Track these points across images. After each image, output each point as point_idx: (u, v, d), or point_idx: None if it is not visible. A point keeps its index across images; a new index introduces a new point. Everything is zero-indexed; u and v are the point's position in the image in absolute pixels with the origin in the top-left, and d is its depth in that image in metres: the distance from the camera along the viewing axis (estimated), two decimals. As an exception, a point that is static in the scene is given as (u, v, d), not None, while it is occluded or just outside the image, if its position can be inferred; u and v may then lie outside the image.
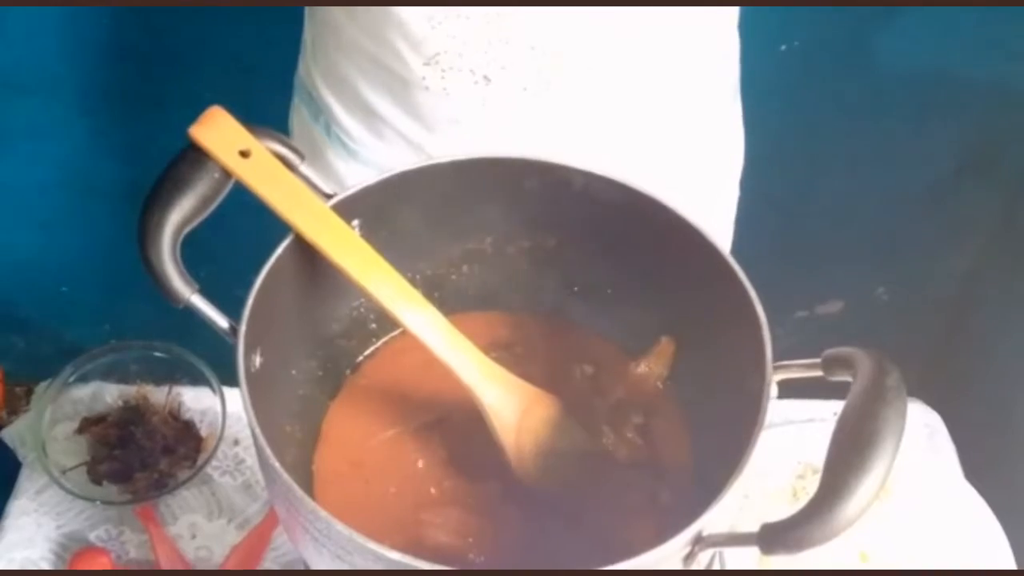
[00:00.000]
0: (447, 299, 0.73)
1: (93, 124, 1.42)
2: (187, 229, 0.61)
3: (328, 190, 0.65)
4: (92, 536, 0.93)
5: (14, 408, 1.63)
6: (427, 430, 0.70)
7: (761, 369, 0.59)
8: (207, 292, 0.61)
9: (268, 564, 0.92)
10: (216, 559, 0.92)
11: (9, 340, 1.71)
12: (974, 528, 0.94)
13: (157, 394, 0.99)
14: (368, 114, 0.88)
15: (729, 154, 1.00)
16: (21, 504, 0.95)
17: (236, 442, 0.98)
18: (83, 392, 0.99)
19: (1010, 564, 0.92)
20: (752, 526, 0.53)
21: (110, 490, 0.94)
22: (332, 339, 0.72)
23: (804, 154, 1.39)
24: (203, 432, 0.97)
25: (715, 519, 0.55)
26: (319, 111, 0.93)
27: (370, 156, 0.91)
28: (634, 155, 0.87)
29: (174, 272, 0.60)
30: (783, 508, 0.80)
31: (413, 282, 0.65)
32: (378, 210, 0.67)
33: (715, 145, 0.97)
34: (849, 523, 0.50)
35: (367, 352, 0.74)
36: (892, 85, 1.33)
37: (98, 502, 0.93)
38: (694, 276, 0.66)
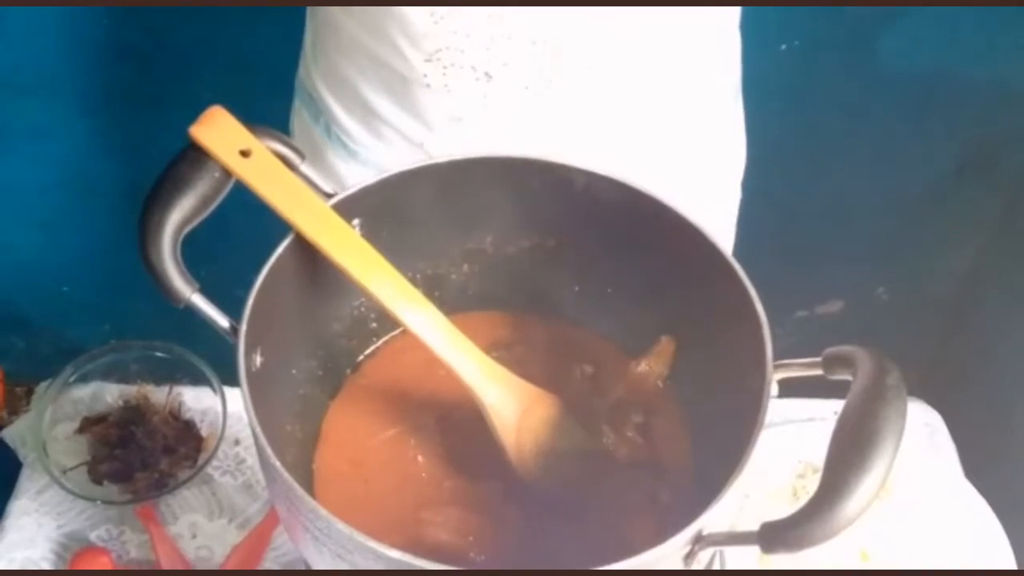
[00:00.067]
0: (447, 298, 0.73)
1: (93, 124, 1.42)
2: (187, 228, 0.61)
3: (329, 189, 0.65)
4: (93, 536, 0.94)
5: (15, 408, 1.63)
6: (427, 429, 0.70)
7: (761, 368, 0.59)
8: (208, 292, 0.61)
9: (269, 564, 0.92)
10: (217, 559, 0.92)
11: (9, 340, 1.71)
12: (974, 527, 0.94)
13: (158, 394, 0.99)
14: (368, 114, 0.88)
15: (731, 155, 1.00)
16: (22, 504, 0.95)
17: (237, 442, 0.98)
18: (83, 392, 0.99)
19: (1010, 563, 0.92)
20: (752, 525, 0.53)
21: (111, 490, 0.94)
22: (333, 338, 0.72)
23: (804, 154, 1.39)
24: (204, 432, 0.97)
25: (715, 518, 0.55)
26: (319, 112, 0.93)
27: (370, 157, 0.91)
28: (635, 155, 0.87)
29: (175, 272, 0.60)
30: (783, 507, 0.80)
31: (414, 281, 0.65)
32: (379, 209, 0.67)
33: (716, 145, 0.97)
34: (849, 522, 0.51)
35: (368, 351, 0.74)
36: (892, 85, 1.33)
37: (99, 502, 0.93)
38: (694, 275, 0.66)
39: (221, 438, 0.95)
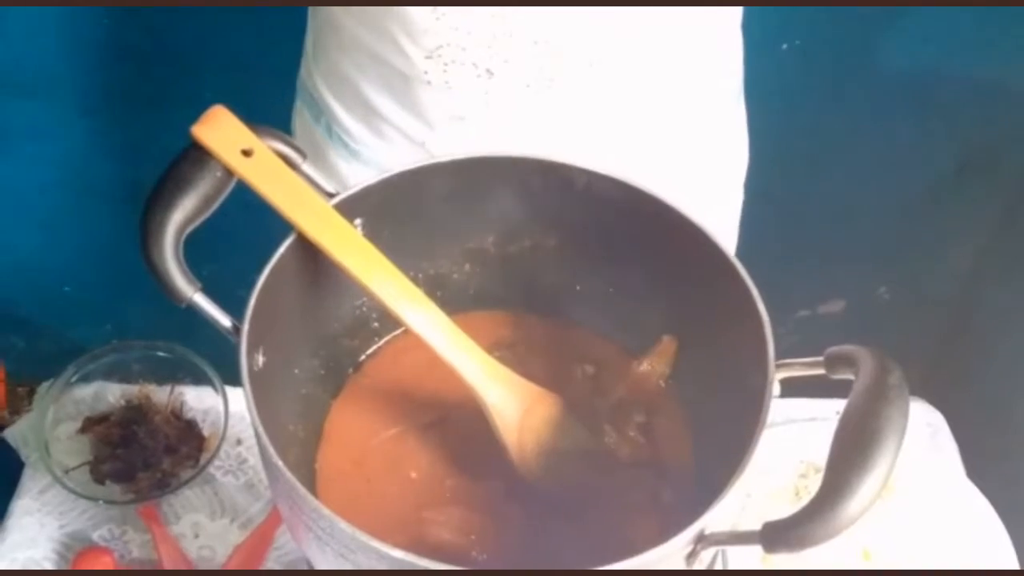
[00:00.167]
0: (449, 298, 0.73)
1: (93, 124, 1.42)
2: (189, 228, 0.61)
3: (330, 189, 0.66)
4: (95, 536, 0.94)
5: (16, 408, 1.63)
6: (429, 429, 0.70)
7: (763, 367, 0.59)
8: (209, 291, 0.61)
9: (271, 564, 0.92)
10: (219, 559, 0.92)
11: (11, 340, 1.71)
12: (976, 526, 0.94)
13: (159, 394, 0.99)
14: (369, 113, 0.88)
15: (733, 155, 1.00)
16: (24, 504, 0.95)
17: (239, 441, 0.98)
18: (85, 392, 0.99)
19: (1012, 562, 0.92)
20: (754, 524, 0.53)
21: (113, 490, 0.94)
22: (335, 338, 0.72)
23: (805, 153, 1.39)
24: (205, 431, 0.97)
25: (717, 517, 0.55)
26: (320, 112, 0.93)
27: (372, 156, 0.91)
28: (637, 154, 0.87)
29: (176, 271, 0.60)
30: (785, 507, 0.80)
31: (415, 281, 0.65)
32: (380, 209, 0.67)
33: (719, 145, 0.97)
34: (851, 521, 0.51)
35: (369, 351, 0.74)
36: (893, 84, 1.33)
37: (101, 502, 0.93)
38: (696, 275, 0.66)
39: (223, 438, 0.95)
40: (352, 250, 0.64)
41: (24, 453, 0.98)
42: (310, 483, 0.67)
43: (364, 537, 0.53)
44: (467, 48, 0.79)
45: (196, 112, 0.63)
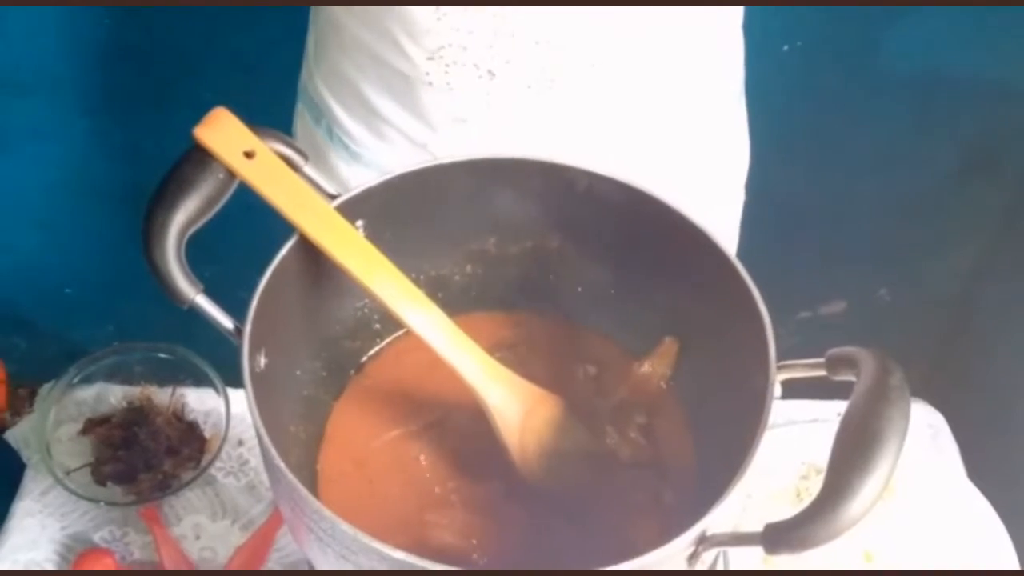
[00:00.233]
0: (451, 299, 0.73)
1: (94, 124, 1.42)
2: (192, 230, 0.61)
3: (332, 191, 0.66)
4: (96, 537, 0.94)
5: (18, 410, 1.63)
6: (431, 430, 0.70)
7: (765, 369, 0.59)
8: (211, 293, 0.61)
9: (272, 565, 0.92)
10: (220, 560, 0.92)
11: (12, 341, 1.70)
12: (977, 528, 0.94)
13: (161, 395, 0.99)
14: (371, 115, 0.88)
15: (734, 156, 1.00)
16: (25, 505, 0.95)
17: (240, 443, 0.98)
18: (87, 393, 0.99)
19: (1013, 563, 0.92)
20: (756, 526, 0.53)
21: (114, 491, 0.94)
22: (336, 340, 0.72)
23: (806, 154, 1.39)
24: (207, 433, 0.97)
25: (719, 519, 0.55)
26: (321, 115, 0.93)
27: (373, 158, 0.91)
28: (637, 155, 0.87)
29: (178, 273, 0.60)
30: (787, 508, 0.80)
31: (417, 282, 0.65)
32: (382, 211, 0.67)
33: (720, 146, 0.97)
34: (853, 523, 0.51)
35: (371, 352, 0.74)
36: (894, 85, 1.33)
37: (102, 503, 0.93)
38: (697, 276, 0.66)
39: (224, 439, 0.95)
40: (353, 252, 0.64)
41: (25, 455, 0.98)
42: (312, 484, 0.67)
43: (366, 538, 0.53)
44: (468, 49, 0.79)
45: (197, 113, 0.63)
